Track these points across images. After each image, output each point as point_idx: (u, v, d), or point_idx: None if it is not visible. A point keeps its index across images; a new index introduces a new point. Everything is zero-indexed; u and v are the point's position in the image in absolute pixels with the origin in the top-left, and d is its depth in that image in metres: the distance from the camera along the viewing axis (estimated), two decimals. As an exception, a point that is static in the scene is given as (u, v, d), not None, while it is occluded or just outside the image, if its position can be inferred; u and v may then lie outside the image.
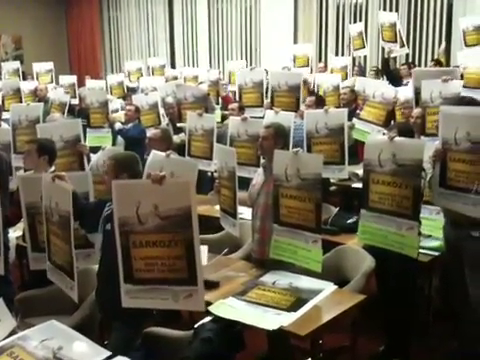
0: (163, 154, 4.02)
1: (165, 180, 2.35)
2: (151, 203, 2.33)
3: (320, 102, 5.38)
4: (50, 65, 9.59)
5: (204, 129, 5.08)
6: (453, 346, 3.45)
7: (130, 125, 5.92)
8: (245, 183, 3.79)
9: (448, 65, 8.54)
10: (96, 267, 3.08)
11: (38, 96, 7.61)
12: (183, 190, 2.33)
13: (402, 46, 7.89)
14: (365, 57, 9.67)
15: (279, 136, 3.34)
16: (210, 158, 4.89)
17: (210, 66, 11.90)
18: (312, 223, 3.01)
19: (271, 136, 3.32)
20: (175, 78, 8.74)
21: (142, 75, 9.87)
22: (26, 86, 7.81)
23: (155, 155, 4.06)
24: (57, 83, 9.25)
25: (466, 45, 7.39)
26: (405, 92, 5.48)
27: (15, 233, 3.82)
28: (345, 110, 4.66)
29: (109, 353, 2.31)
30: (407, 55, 9.47)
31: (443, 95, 4.55)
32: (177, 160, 4.09)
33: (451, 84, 4.72)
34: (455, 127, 2.95)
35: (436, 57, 9.00)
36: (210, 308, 2.76)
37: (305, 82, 7.90)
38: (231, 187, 3.37)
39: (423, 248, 3.39)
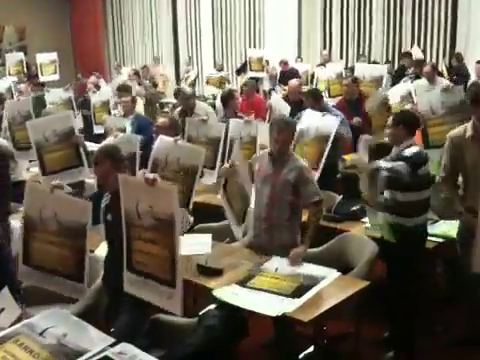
0: (170, 139, 3.93)
1: (157, 183, 2.36)
2: (147, 203, 2.37)
3: (317, 97, 4.96)
4: (54, 56, 9.53)
5: (208, 137, 4.71)
6: (458, 332, 3.44)
7: (130, 120, 5.67)
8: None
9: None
10: (100, 255, 3.10)
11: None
12: (168, 196, 2.32)
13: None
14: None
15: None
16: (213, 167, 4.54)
17: (214, 60, 11.85)
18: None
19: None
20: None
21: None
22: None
23: (162, 140, 3.97)
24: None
25: None
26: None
27: (18, 223, 3.77)
28: (338, 120, 4.39)
29: (114, 340, 2.32)
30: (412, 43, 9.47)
31: (446, 105, 4.13)
32: (184, 146, 3.98)
33: (452, 91, 4.22)
34: None
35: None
36: (214, 291, 2.78)
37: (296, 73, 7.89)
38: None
39: (429, 235, 3.38)
